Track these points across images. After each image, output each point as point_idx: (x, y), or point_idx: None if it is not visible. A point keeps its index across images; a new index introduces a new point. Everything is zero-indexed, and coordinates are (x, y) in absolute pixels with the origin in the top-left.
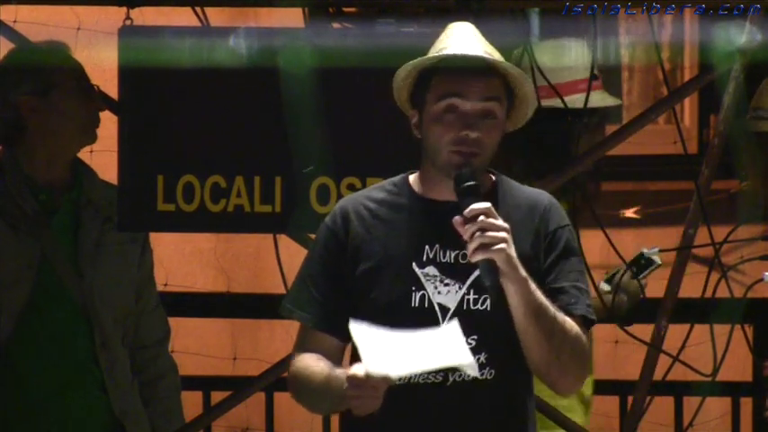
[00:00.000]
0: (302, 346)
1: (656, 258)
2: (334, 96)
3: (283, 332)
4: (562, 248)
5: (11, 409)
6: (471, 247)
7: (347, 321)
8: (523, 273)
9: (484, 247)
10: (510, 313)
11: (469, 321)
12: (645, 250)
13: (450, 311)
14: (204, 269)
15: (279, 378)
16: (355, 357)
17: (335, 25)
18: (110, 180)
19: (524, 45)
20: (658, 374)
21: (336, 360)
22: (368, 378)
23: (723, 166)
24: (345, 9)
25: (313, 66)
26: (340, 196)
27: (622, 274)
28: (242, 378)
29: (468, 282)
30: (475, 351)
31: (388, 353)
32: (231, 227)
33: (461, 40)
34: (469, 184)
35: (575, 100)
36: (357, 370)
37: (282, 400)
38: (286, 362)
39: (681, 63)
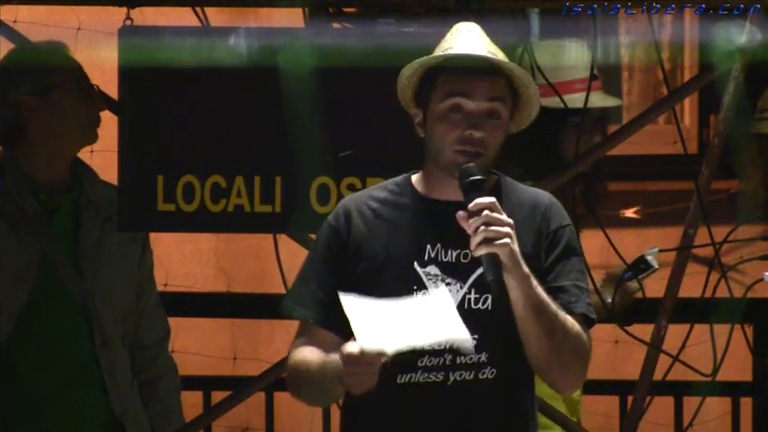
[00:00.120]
0: (302, 342)
1: (654, 263)
2: (335, 96)
3: (283, 332)
4: (563, 248)
5: (11, 409)
6: (475, 240)
7: (348, 319)
8: (526, 269)
9: (488, 241)
10: (511, 313)
11: (471, 321)
12: (648, 257)
13: None
14: (204, 269)
15: (279, 378)
16: None
17: (335, 25)
18: (110, 180)
19: (524, 45)
20: (658, 374)
21: None
22: (362, 354)
23: (723, 166)
24: (345, 9)
25: (313, 66)
26: (340, 196)
27: (620, 276)
28: (242, 378)
29: (470, 281)
30: (476, 350)
31: (381, 327)
32: (231, 227)
33: (467, 40)
34: (474, 178)
35: (573, 99)
36: (351, 347)
37: (282, 400)
38: (286, 362)
39: (681, 63)
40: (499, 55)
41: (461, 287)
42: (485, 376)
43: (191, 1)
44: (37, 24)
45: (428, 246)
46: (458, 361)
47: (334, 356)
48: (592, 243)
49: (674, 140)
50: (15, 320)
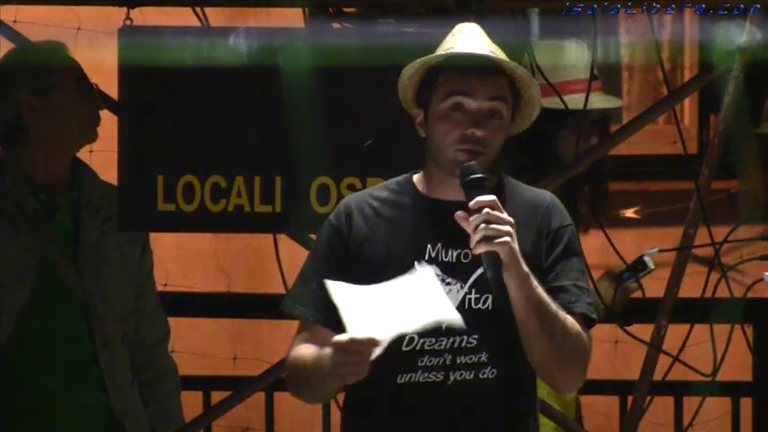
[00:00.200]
0: (302, 340)
1: (650, 263)
2: (335, 96)
3: (283, 332)
4: (564, 247)
5: (11, 409)
6: (475, 238)
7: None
8: (526, 268)
9: (487, 239)
10: (512, 313)
11: (471, 321)
12: (645, 257)
13: None
14: (204, 269)
15: (279, 378)
16: None
17: (335, 25)
18: (110, 180)
19: (525, 45)
20: (658, 374)
21: None
22: (352, 342)
23: (723, 166)
24: (345, 9)
25: (313, 65)
26: (340, 196)
27: (619, 276)
28: (242, 378)
29: (470, 281)
30: (476, 350)
31: (370, 314)
32: (231, 227)
33: (469, 40)
34: (475, 176)
35: (573, 100)
36: (341, 335)
37: (282, 400)
38: (286, 361)
39: (681, 63)
40: (501, 55)
41: (462, 287)
42: (485, 376)
43: (191, 1)
44: (37, 24)
45: (429, 245)
46: (458, 361)
47: (329, 350)
48: (592, 243)
49: (674, 140)
50: (15, 320)
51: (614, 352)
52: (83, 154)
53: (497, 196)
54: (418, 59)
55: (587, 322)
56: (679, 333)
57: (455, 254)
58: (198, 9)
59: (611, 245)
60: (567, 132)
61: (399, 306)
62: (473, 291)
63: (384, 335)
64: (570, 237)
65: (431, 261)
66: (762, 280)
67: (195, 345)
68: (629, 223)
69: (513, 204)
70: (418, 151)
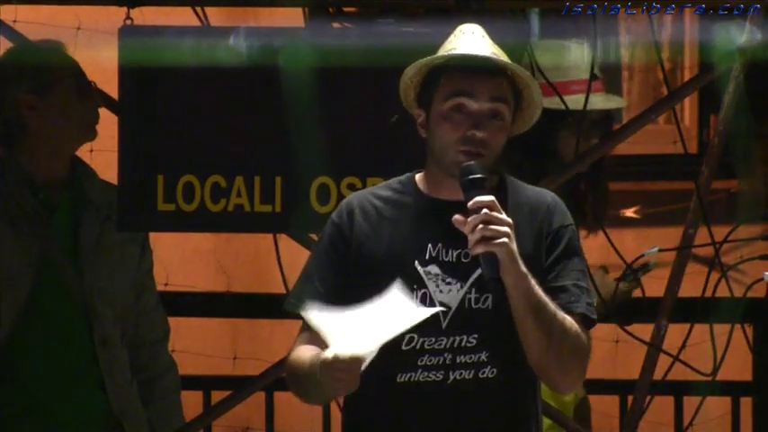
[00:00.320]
0: (303, 340)
1: (650, 264)
2: (335, 96)
3: (283, 332)
4: (564, 247)
5: (10, 408)
6: (473, 239)
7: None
8: (524, 268)
9: (486, 240)
10: (511, 312)
11: (471, 320)
12: (649, 261)
13: (452, 310)
14: (204, 269)
15: (279, 378)
16: None
17: (335, 25)
18: (110, 180)
19: (525, 45)
20: (658, 374)
21: None
22: (337, 360)
23: (723, 166)
24: (345, 9)
25: (313, 65)
26: (340, 196)
27: (620, 277)
28: (242, 378)
29: (470, 281)
30: (476, 350)
31: (351, 332)
32: (231, 227)
33: (471, 41)
34: (474, 176)
35: (574, 101)
36: (326, 353)
37: (282, 399)
38: (286, 360)
39: (681, 63)
40: (503, 57)
41: (462, 287)
42: (485, 375)
43: (191, 1)
44: (37, 24)
45: (429, 245)
46: (458, 360)
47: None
48: (592, 243)
49: (674, 140)
50: (14, 319)
51: (614, 351)
52: (83, 154)
53: (499, 195)
54: (420, 60)
55: (587, 322)
56: (679, 333)
57: (455, 253)
58: (198, 9)
59: (612, 245)
60: (568, 132)
61: (376, 321)
62: (473, 290)
63: (366, 348)
64: (571, 237)
65: (431, 260)
66: (762, 280)
67: (195, 344)
68: (629, 223)
69: (514, 204)
70: (419, 151)
